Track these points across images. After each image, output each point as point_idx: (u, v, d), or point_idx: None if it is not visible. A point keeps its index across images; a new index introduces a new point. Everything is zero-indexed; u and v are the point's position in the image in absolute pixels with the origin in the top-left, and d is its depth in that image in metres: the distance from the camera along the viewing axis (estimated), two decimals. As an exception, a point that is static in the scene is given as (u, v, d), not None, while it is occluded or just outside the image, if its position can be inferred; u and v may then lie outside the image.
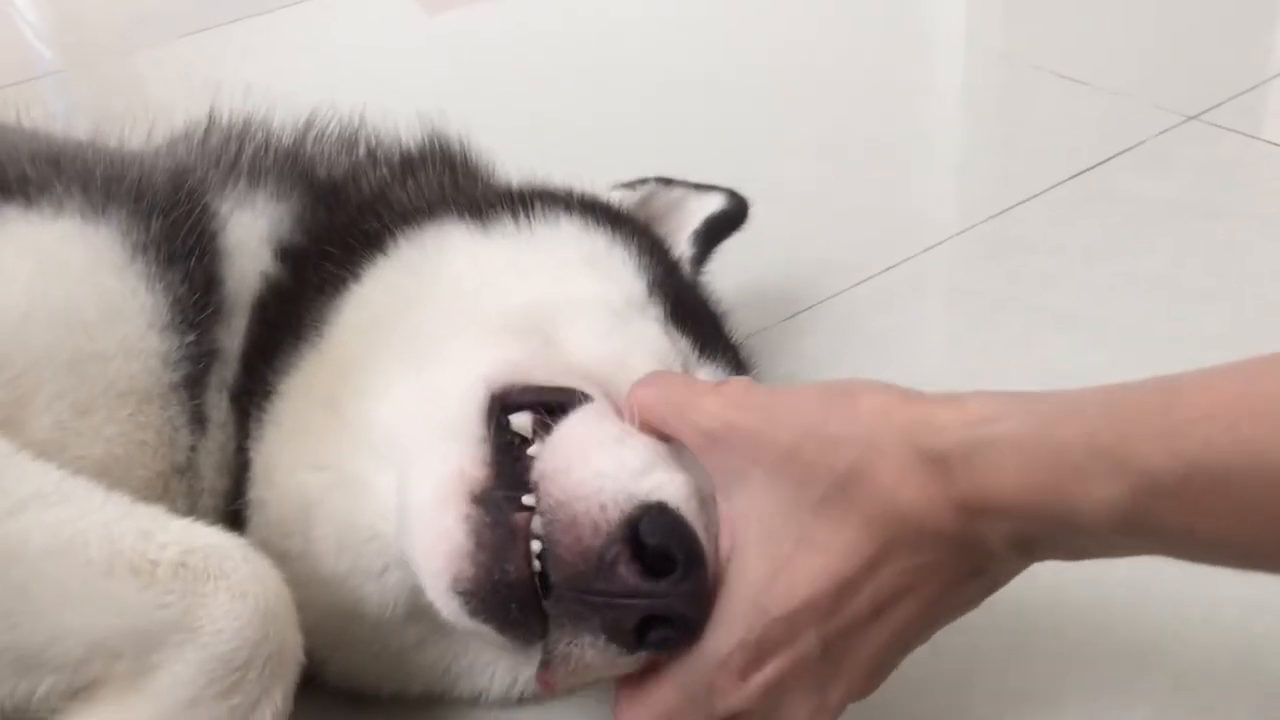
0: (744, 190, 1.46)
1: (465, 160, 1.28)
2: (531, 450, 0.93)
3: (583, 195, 1.22)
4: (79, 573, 0.83)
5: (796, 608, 0.83)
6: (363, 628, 1.03)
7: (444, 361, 1.00)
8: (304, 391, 1.05)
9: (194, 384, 1.03)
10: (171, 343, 1.01)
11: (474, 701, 1.09)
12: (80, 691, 0.84)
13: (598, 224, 1.15)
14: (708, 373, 1.10)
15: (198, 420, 1.04)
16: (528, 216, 1.13)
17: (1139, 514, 0.72)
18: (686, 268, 1.34)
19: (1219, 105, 2.04)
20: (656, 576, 0.85)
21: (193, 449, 1.04)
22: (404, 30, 2.75)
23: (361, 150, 1.26)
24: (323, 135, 1.27)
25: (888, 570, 0.82)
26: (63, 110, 2.44)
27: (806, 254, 1.78)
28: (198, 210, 1.06)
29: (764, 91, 2.34)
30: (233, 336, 1.08)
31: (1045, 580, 0.92)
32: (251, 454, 1.05)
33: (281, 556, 1.01)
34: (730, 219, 1.43)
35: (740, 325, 1.59)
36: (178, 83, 2.25)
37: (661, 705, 0.90)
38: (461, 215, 1.13)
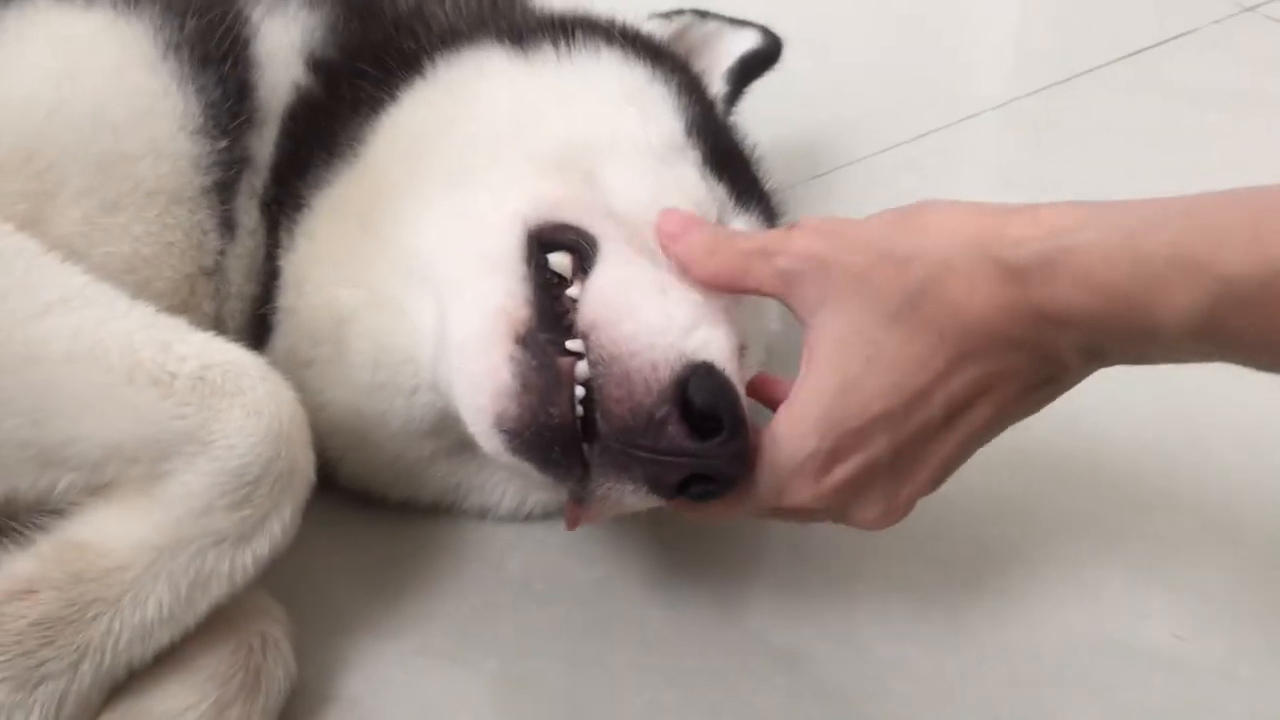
0: (786, 40, 1.43)
1: None
2: (571, 291, 0.94)
3: (624, 26, 1.20)
4: (99, 379, 0.85)
5: (868, 421, 0.85)
6: (383, 435, 1.05)
7: (483, 191, 1.00)
8: (339, 208, 1.05)
9: (224, 190, 1.03)
10: (202, 147, 1.01)
11: (481, 516, 1.12)
12: (98, 490, 0.86)
13: (638, 57, 1.14)
14: (742, 222, 1.10)
15: (227, 225, 1.04)
16: (568, 45, 1.11)
17: (1218, 321, 0.72)
18: (721, 107, 1.32)
19: (1280, -1, 1.99)
20: (702, 436, 0.87)
21: (221, 253, 1.05)
22: None
23: None
24: None
25: (959, 380, 0.83)
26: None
27: (840, 112, 1.76)
28: (231, 14, 1.05)
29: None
30: (264, 145, 1.07)
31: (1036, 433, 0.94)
32: (281, 263, 1.06)
33: (309, 362, 1.04)
34: (764, 58, 1.40)
35: (769, 177, 1.58)
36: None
37: (731, 499, 0.92)
38: (501, 40, 1.11)
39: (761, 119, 1.38)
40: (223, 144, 1.02)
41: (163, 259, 0.99)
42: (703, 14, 1.41)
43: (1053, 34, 2.01)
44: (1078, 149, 1.69)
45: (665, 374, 0.88)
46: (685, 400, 0.88)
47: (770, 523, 1.02)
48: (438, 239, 0.99)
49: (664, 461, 0.88)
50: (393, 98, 1.07)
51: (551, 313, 0.93)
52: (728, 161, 1.13)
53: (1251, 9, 1.97)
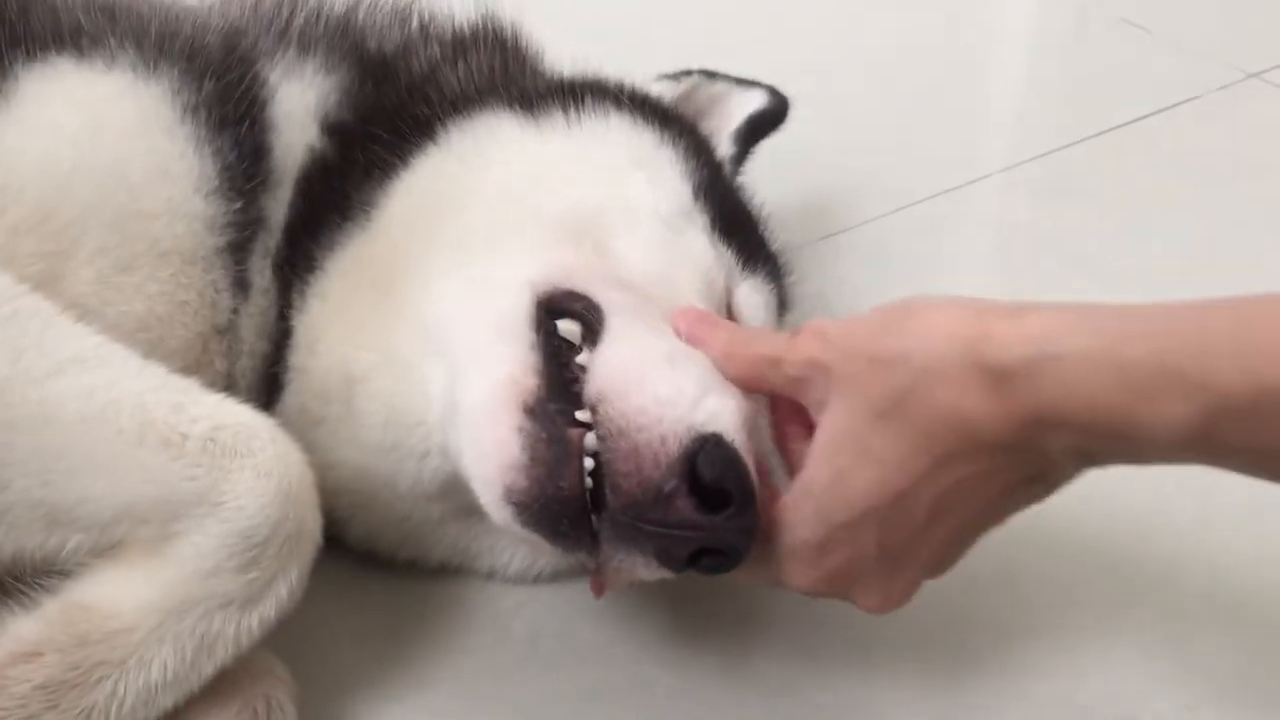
0: (795, 101, 1.44)
1: (516, 45, 1.27)
2: (580, 359, 0.94)
3: (632, 90, 1.21)
4: (111, 440, 0.85)
5: (855, 517, 0.87)
6: (391, 496, 1.05)
7: (495, 258, 1.00)
8: (352, 270, 1.05)
9: (238, 250, 1.04)
10: (217, 208, 1.01)
11: (489, 576, 1.12)
12: (106, 551, 0.86)
13: (646, 121, 1.15)
14: (750, 286, 1.11)
15: (240, 285, 1.05)
16: (578, 111, 1.12)
17: (1208, 432, 0.73)
18: (728, 168, 1.33)
19: (1282, 65, 2.01)
20: (711, 510, 0.87)
21: (234, 312, 1.05)
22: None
23: (414, 24, 1.24)
24: (376, 6, 1.25)
25: (944, 479, 0.84)
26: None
27: (850, 173, 1.77)
28: (249, 76, 1.06)
29: (821, 5, 2.30)
30: (278, 206, 1.08)
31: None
32: (294, 323, 1.06)
33: (320, 420, 1.04)
34: (771, 118, 1.41)
35: (776, 237, 1.59)
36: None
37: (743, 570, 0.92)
38: (512, 105, 1.12)
39: (770, 180, 1.39)
40: (237, 205, 1.02)
41: (176, 318, 1.00)
42: (710, 74, 1.42)
43: (1058, 99, 2.03)
44: (1081, 214, 1.69)
45: (674, 448, 0.88)
46: (694, 474, 0.88)
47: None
48: (449, 305, 0.99)
49: (673, 536, 0.88)
50: (405, 163, 1.08)
51: (560, 381, 0.93)
52: (736, 224, 1.14)
53: (1256, 75, 1.99)
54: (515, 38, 1.28)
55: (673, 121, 1.20)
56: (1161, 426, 0.73)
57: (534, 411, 0.90)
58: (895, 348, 0.84)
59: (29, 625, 0.84)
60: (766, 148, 1.43)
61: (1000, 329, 0.80)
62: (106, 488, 0.85)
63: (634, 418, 0.89)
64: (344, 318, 1.04)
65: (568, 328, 0.96)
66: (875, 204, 1.70)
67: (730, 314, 1.09)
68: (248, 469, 0.87)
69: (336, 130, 1.12)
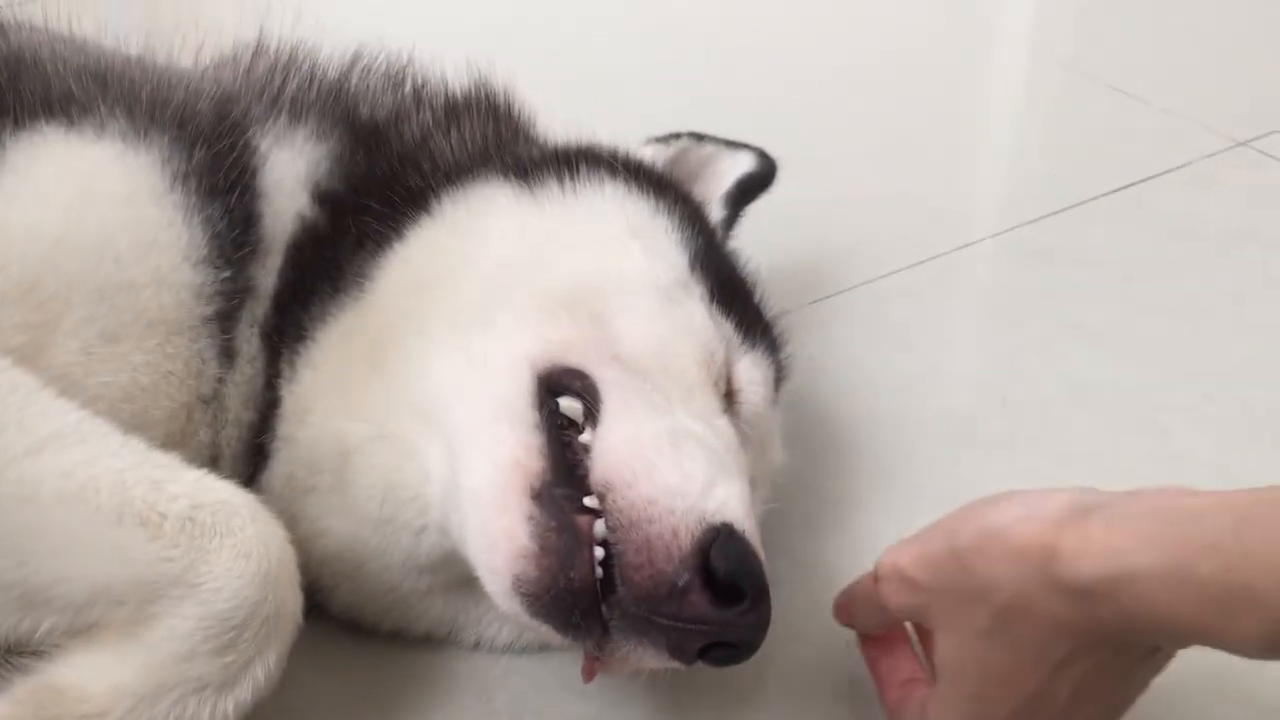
0: (787, 165, 1.44)
1: (509, 111, 1.27)
2: (584, 438, 0.93)
3: (626, 157, 1.21)
4: (88, 520, 0.84)
5: (1006, 717, 0.89)
6: (379, 566, 1.04)
7: (492, 333, 0.99)
8: (345, 342, 1.04)
9: (225, 319, 1.03)
10: (205, 277, 1.01)
11: (474, 647, 1.11)
12: (81, 632, 0.85)
13: (641, 189, 1.14)
14: (750, 360, 1.10)
15: (227, 354, 1.04)
16: (572, 179, 1.12)
17: None
18: (720, 233, 1.33)
19: (1270, 133, 2.02)
20: (724, 603, 0.87)
21: (220, 381, 1.04)
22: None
23: (407, 89, 1.24)
24: (369, 71, 1.25)
25: (1073, 673, 0.86)
26: (114, 21, 2.43)
27: (839, 238, 1.77)
28: (240, 144, 1.06)
29: (814, 68, 2.33)
30: (267, 275, 1.08)
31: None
32: (282, 392, 1.05)
33: (309, 490, 1.03)
34: (760, 180, 1.42)
35: (771, 305, 1.59)
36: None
37: None
38: (506, 175, 1.11)
39: (761, 243, 1.39)
40: (226, 274, 1.02)
41: (161, 388, 0.99)
42: (699, 136, 1.43)
43: (1048, 165, 2.04)
44: (1071, 279, 1.70)
45: (686, 541, 0.87)
46: (707, 567, 0.87)
47: (765, 663, 1.01)
48: (447, 381, 0.98)
49: (686, 629, 0.87)
50: (399, 235, 1.07)
51: (565, 464, 0.92)
52: (733, 293, 1.14)
53: (1244, 144, 2.00)
54: (508, 104, 1.28)
55: (667, 189, 1.20)
56: (1242, 639, 0.76)
57: (541, 497, 0.89)
58: (979, 585, 0.87)
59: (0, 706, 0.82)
60: (758, 211, 1.44)
61: (1068, 545, 0.82)
62: (83, 568, 0.84)
63: (644, 509, 0.88)
64: (337, 389, 1.03)
65: (569, 405, 0.95)
66: (866, 268, 1.71)
67: (730, 388, 1.08)
68: (226, 549, 0.86)
69: (328, 199, 1.11)
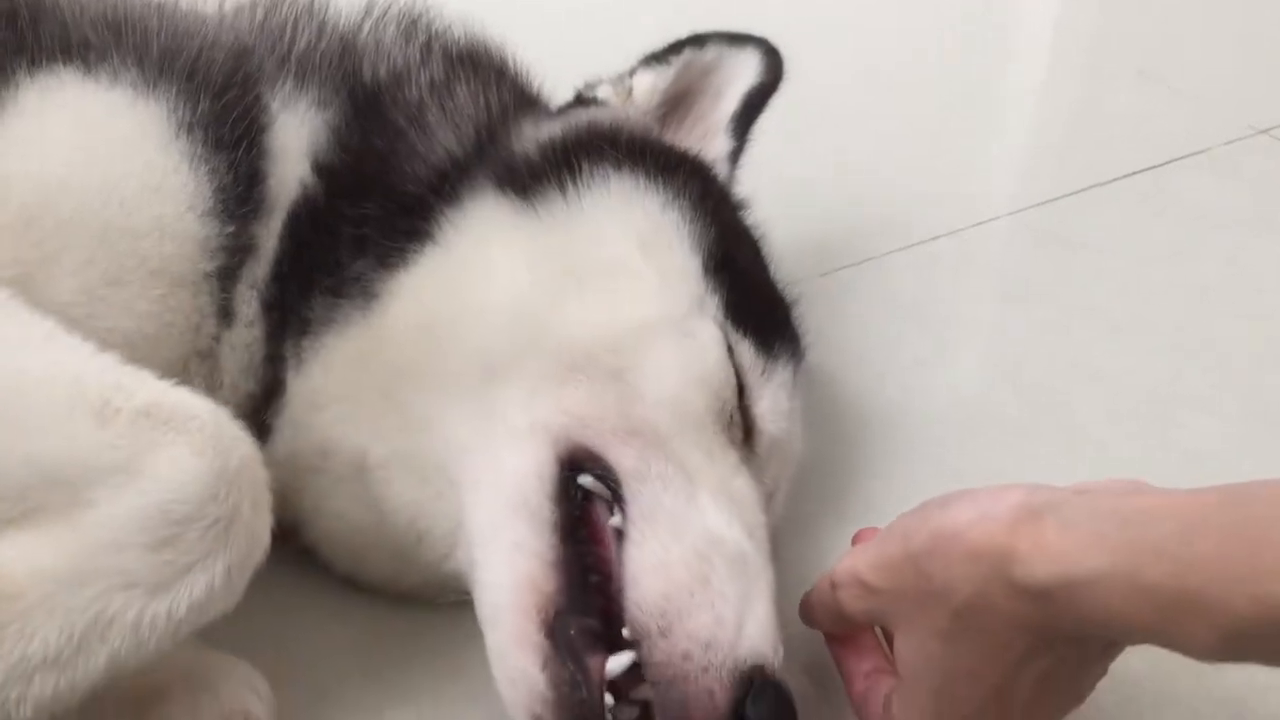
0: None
1: (510, 74, 1.23)
2: (613, 521, 0.94)
3: (630, 137, 1.15)
4: (39, 410, 0.82)
5: (968, 715, 0.90)
6: (390, 556, 1.05)
7: (510, 399, 0.98)
8: (359, 363, 1.03)
9: (225, 276, 1.03)
10: (209, 230, 1.00)
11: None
12: (15, 520, 0.81)
13: (649, 177, 1.09)
14: (771, 391, 1.07)
15: (225, 313, 1.04)
16: (575, 183, 1.06)
17: (1232, 650, 0.76)
18: (730, 174, 1.28)
19: (1291, 122, 2.01)
20: None
21: (216, 339, 1.04)
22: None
23: (420, 39, 1.20)
24: (382, 21, 1.21)
25: (1034, 669, 0.87)
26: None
27: (855, 211, 1.77)
28: (251, 100, 1.05)
29: (838, 43, 2.31)
30: (269, 236, 1.06)
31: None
32: (288, 378, 1.05)
33: (316, 470, 1.04)
34: (766, 90, 1.33)
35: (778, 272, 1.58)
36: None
37: None
38: (503, 187, 1.06)
39: (774, 212, 1.37)
40: (230, 228, 1.01)
41: (163, 339, 0.99)
42: (700, 41, 1.32)
43: (1067, 146, 2.03)
44: (1084, 261, 1.70)
45: (723, 700, 0.89)
46: (742, 717, 0.89)
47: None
48: (466, 443, 0.98)
49: None
50: (404, 258, 1.04)
51: (582, 581, 0.93)
52: (749, 289, 1.10)
53: (1264, 131, 1.99)
54: (505, 64, 1.23)
55: (675, 166, 1.14)
56: (1192, 643, 0.76)
57: (555, 635, 0.90)
58: (936, 587, 0.88)
59: None
60: (771, 180, 1.41)
61: (1023, 547, 0.82)
62: (25, 452, 0.80)
63: (679, 664, 0.89)
64: (352, 403, 1.03)
65: (593, 484, 0.96)
66: (878, 241, 1.70)
67: (750, 421, 1.05)
68: (180, 445, 0.82)
69: (324, 171, 1.09)
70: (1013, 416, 1.41)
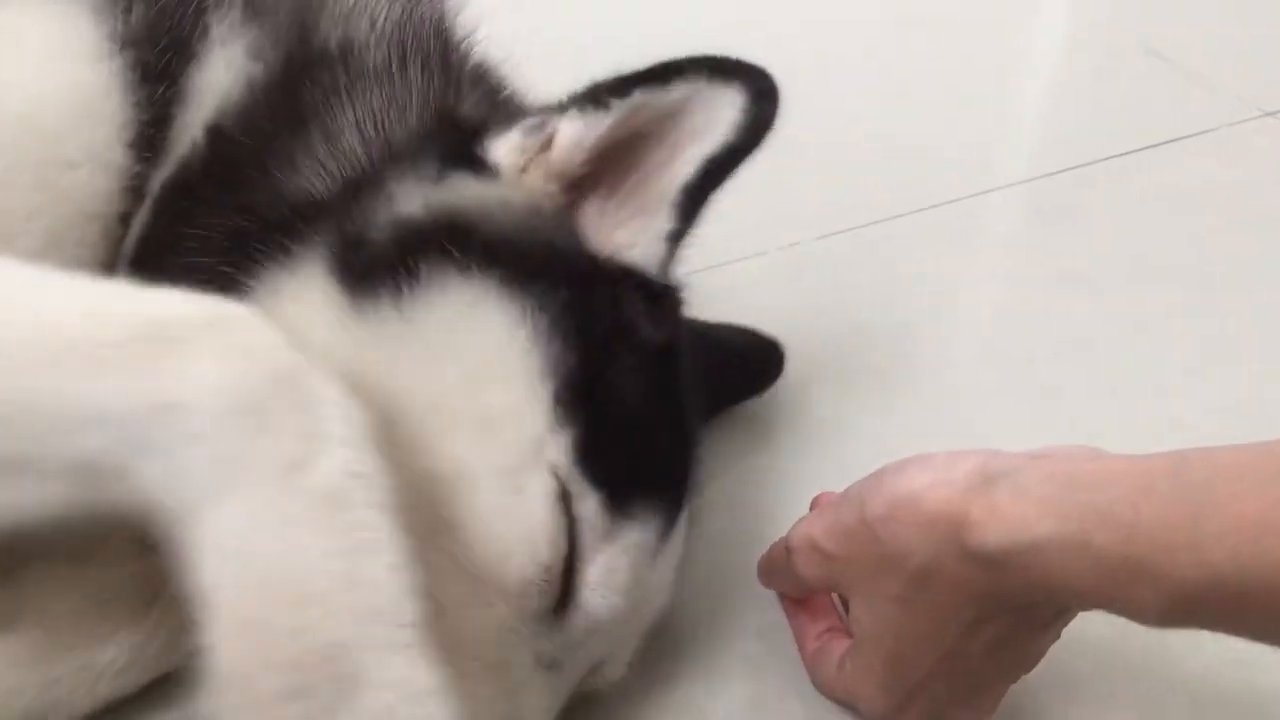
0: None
1: (463, 103, 1.00)
2: None
3: (494, 229, 0.89)
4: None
5: (922, 679, 0.92)
6: None
7: None
8: None
9: (124, 223, 0.91)
10: (132, 168, 0.89)
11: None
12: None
13: (501, 287, 0.86)
14: (614, 551, 0.86)
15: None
16: (410, 288, 0.84)
17: (1178, 615, 0.76)
18: (634, 300, 0.94)
19: (1300, 106, 2.00)
20: None
21: None
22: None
23: (395, 16, 1.00)
24: None
25: (984, 635, 0.88)
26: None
27: (853, 176, 1.76)
28: (191, 13, 0.92)
29: (850, 13, 2.30)
30: (149, 195, 0.93)
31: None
32: None
33: None
34: (737, 151, 0.93)
35: (771, 238, 1.58)
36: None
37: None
38: (333, 270, 0.87)
39: (774, 170, 1.35)
40: (137, 169, 0.89)
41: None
42: (667, 71, 0.91)
43: (1075, 121, 2.01)
44: (1086, 236, 1.69)
45: None
46: None
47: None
48: None
49: None
50: (234, 284, 0.88)
51: None
52: (619, 430, 0.87)
53: (1271, 114, 1.98)
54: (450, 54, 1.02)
55: (545, 266, 0.88)
56: (1139, 609, 0.77)
57: None
58: (891, 552, 0.88)
59: None
60: (771, 140, 1.39)
61: (976, 514, 0.82)
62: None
63: None
64: None
65: None
66: (879, 207, 1.70)
67: (569, 590, 0.85)
68: (203, 352, 0.68)
69: (217, 137, 0.93)
70: (1000, 385, 1.40)
